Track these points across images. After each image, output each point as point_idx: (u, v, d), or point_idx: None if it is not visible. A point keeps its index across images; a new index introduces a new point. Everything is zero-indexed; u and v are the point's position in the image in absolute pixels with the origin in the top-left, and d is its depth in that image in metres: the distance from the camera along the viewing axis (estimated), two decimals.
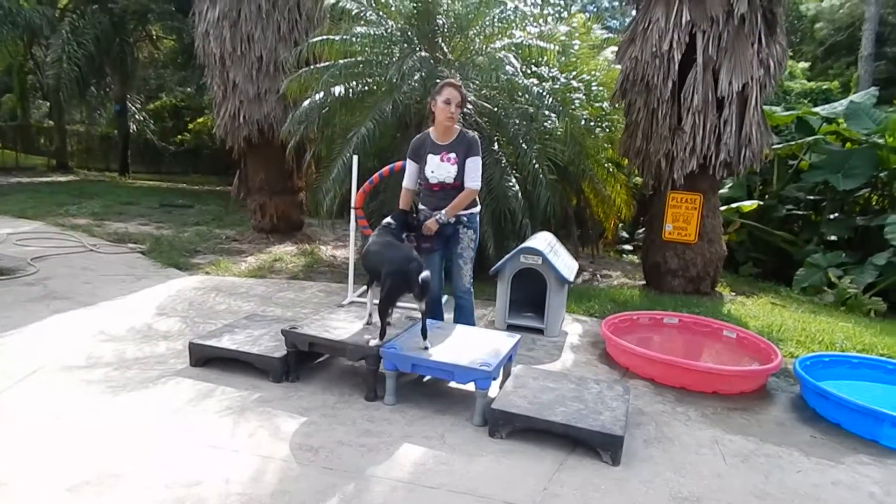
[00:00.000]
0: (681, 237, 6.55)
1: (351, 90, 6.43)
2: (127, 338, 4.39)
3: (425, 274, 3.36)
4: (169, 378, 3.70)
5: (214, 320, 4.82)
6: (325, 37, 6.54)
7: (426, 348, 3.47)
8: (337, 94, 6.32)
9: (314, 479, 2.69)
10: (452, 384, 3.74)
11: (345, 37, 6.32)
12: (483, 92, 6.55)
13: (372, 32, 6.36)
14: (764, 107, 10.28)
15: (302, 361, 3.85)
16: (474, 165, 3.92)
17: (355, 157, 5.46)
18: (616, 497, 2.70)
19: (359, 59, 6.61)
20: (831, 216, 9.28)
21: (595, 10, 24.78)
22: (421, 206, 4.07)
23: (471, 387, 3.36)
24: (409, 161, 4.04)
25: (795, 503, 2.76)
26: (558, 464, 2.94)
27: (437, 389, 3.77)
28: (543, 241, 5.17)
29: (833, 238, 8.96)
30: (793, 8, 23.62)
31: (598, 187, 7.77)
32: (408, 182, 4.08)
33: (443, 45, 6.92)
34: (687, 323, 5.16)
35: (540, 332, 5.00)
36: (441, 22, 6.56)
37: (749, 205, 8.76)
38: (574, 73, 7.22)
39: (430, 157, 3.93)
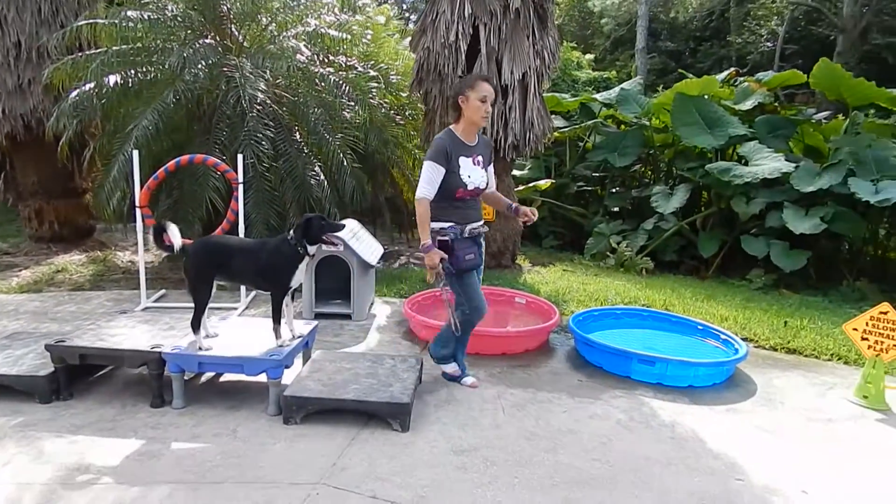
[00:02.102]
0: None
1: (130, 79, 5.91)
2: None
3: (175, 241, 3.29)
4: None
5: None
6: (91, 20, 5.92)
7: (201, 348, 3.34)
8: (112, 83, 5.77)
9: (81, 497, 2.49)
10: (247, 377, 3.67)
11: (114, 21, 5.78)
12: (279, 81, 6.41)
13: (148, 16, 5.89)
14: (555, 94, 11.45)
15: (78, 377, 3.53)
16: (493, 169, 3.66)
17: (136, 153, 5.05)
18: (402, 459, 2.87)
19: (137, 45, 6.09)
20: (613, 190, 10.57)
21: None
22: (444, 224, 3.36)
23: (264, 378, 3.33)
24: (433, 165, 3.26)
25: (557, 438, 3.15)
26: (350, 439, 3.04)
27: (234, 385, 3.67)
28: (346, 228, 5.23)
29: (615, 209, 10.21)
30: (582, 5, 26.29)
31: (408, 174, 8.03)
32: (430, 191, 3.28)
33: (234, 31, 6.64)
34: (485, 294, 5.55)
35: (348, 317, 5.08)
36: (227, 7, 6.28)
37: (544, 183, 9.65)
38: (372, 62, 7.34)
39: (462, 160, 3.33)
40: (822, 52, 13.06)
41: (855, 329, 3.99)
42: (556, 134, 9.89)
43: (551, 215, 10.54)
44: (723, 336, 4.61)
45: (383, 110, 7.24)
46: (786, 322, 5.41)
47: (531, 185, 9.65)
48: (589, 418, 3.42)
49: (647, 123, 10.33)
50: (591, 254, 9.08)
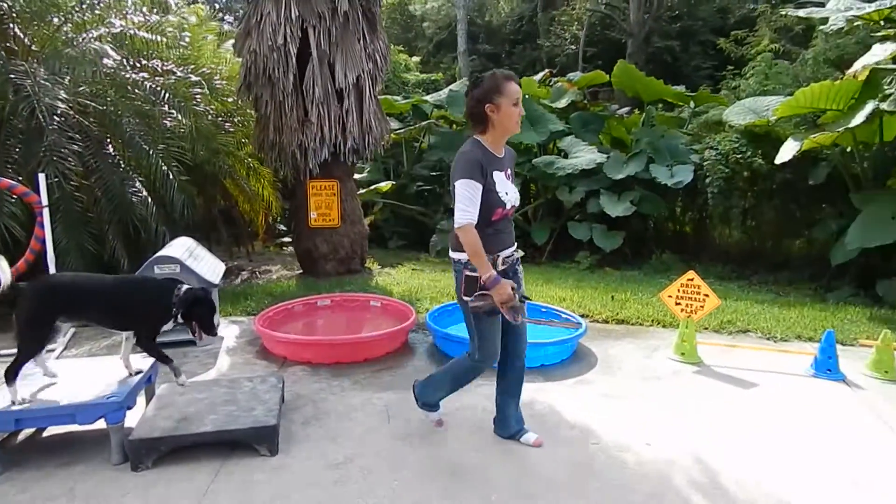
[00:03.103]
0: (326, 222, 6.90)
1: None
2: None
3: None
4: None
5: None
6: None
7: (15, 402, 2.88)
8: None
9: None
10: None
11: None
12: (83, 88, 5.69)
13: None
14: (387, 97, 11.58)
15: None
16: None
17: None
18: (275, 484, 2.73)
19: None
20: (450, 188, 10.96)
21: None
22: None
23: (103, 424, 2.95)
24: (469, 183, 2.70)
25: (430, 435, 3.21)
26: (214, 474, 2.81)
27: (62, 439, 3.20)
28: (181, 247, 4.82)
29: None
30: (403, 8, 26.83)
31: (242, 184, 7.61)
32: (473, 213, 2.72)
33: (19, 33, 5.76)
34: (338, 302, 5.49)
35: (192, 343, 4.68)
36: (6, 5, 5.43)
37: (385, 185, 9.74)
38: (192, 66, 6.83)
39: (496, 174, 2.81)
40: (617, 54, 14.76)
41: (669, 296, 4.59)
42: (392, 136, 10.01)
43: (394, 216, 10.68)
44: (563, 315, 5.02)
45: (210, 117, 6.78)
46: (612, 296, 6.05)
47: (372, 187, 9.68)
48: (457, 410, 3.53)
49: None
50: (436, 251, 9.35)
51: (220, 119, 7.21)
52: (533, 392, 3.78)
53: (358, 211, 7.38)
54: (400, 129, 10.87)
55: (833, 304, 6.37)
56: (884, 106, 6.25)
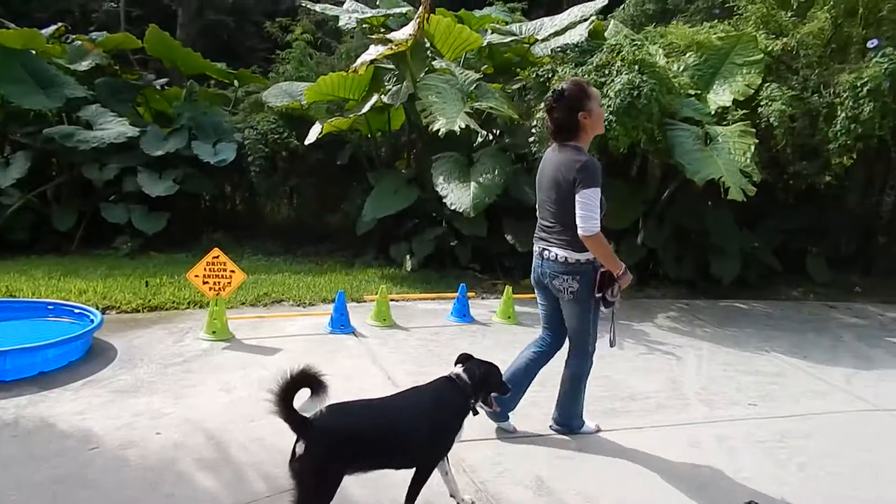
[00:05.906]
0: None
1: None
2: None
3: None
4: None
5: None
6: None
7: None
8: None
9: None
10: None
11: None
12: None
13: None
14: None
15: None
16: None
17: None
18: None
19: None
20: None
21: None
22: (591, 255, 2.96)
23: None
24: (598, 191, 2.88)
25: None
26: None
27: None
28: None
29: None
30: None
31: None
32: (599, 223, 2.89)
33: None
34: None
35: None
36: None
37: None
38: None
39: None
40: (169, 21, 13.61)
41: (197, 276, 4.45)
42: None
43: None
44: (77, 310, 4.36)
45: None
46: (147, 282, 5.59)
47: None
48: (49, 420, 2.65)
49: None
50: None
51: None
52: (20, 408, 3.15)
53: None
54: None
55: (358, 268, 7.38)
56: (385, 99, 7.47)
